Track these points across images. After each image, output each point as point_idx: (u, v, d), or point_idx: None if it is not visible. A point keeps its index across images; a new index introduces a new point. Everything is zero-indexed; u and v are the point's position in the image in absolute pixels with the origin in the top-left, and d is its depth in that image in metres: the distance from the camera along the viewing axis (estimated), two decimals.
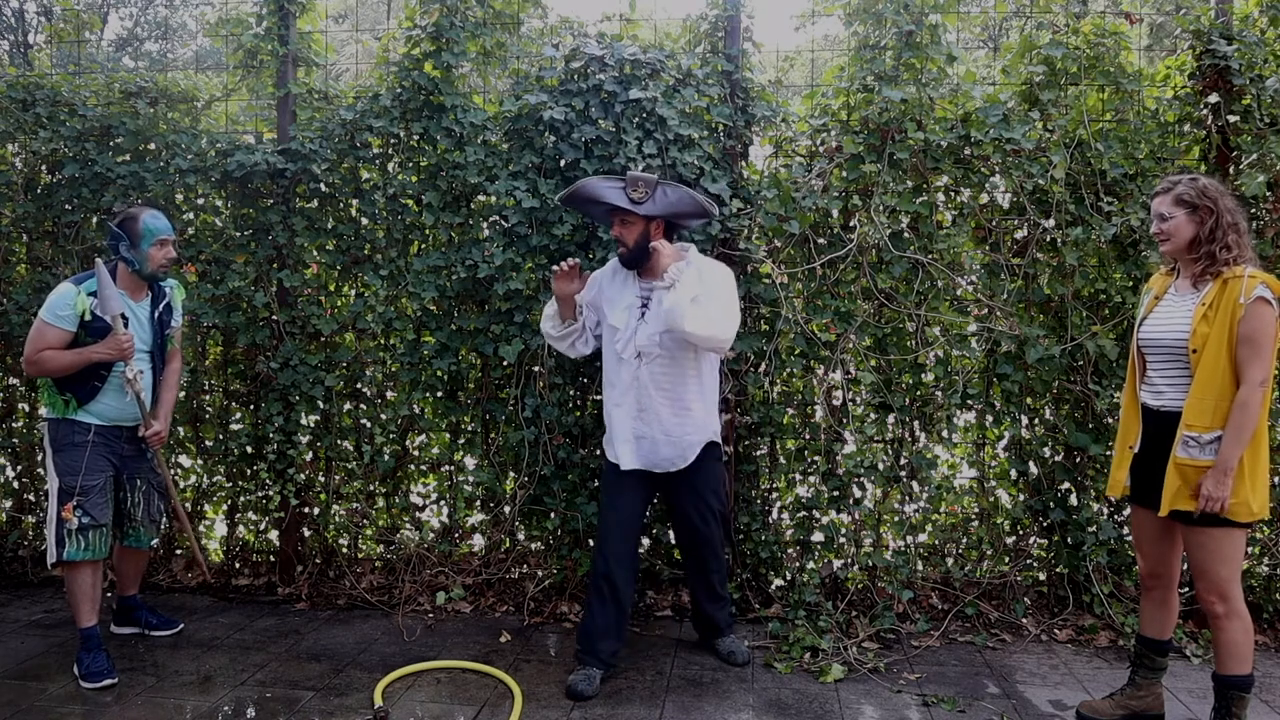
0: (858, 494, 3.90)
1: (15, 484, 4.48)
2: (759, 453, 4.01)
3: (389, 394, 4.22)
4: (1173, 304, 2.76)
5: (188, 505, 4.38)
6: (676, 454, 3.25)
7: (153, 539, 3.56)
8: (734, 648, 3.47)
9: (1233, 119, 3.70)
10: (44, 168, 4.30)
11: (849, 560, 3.95)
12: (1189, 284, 2.74)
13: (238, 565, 4.37)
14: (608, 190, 3.21)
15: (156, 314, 3.42)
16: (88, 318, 3.21)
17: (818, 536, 3.91)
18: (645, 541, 4.01)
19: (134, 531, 3.49)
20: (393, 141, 4.09)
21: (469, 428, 4.21)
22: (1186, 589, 3.56)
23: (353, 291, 4.23)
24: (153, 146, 4.19)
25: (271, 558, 4.34)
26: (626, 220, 3.23)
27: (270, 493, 4.15)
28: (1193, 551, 2.68)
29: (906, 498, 3.94)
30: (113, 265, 3.33)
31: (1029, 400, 3.94)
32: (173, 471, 4.38)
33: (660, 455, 3.25)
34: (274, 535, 4.30)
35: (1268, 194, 3.64)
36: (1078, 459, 3.88)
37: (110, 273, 3.29)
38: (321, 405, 4.15)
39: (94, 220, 4.24)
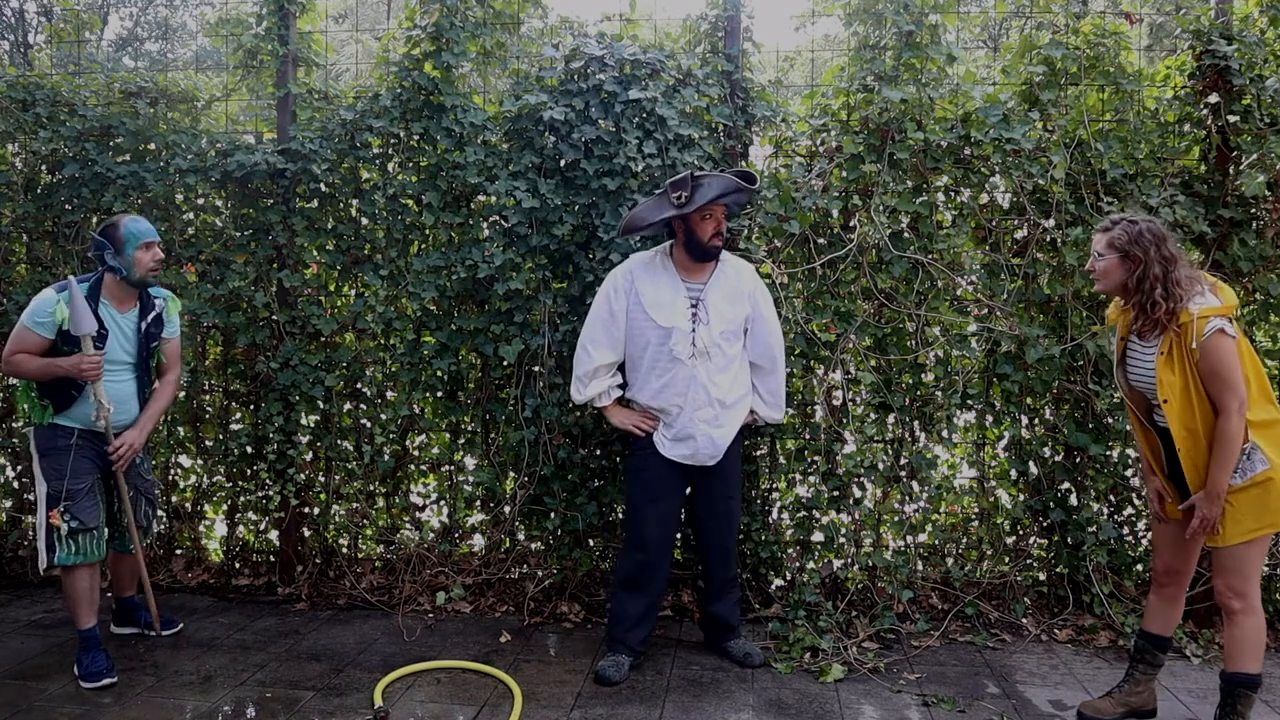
0: (858, 494, 3.90)
1: (15, 484, 4.48)
2: (759, 453, 4.00)
3: (389, 394, 4.21)
4: (1138, 351, 2.80)
5: (187, 505, 4.40)
6: (724, 443, 3.34)
7: (135, 545, 3.44)
8: (749, 649, 3.47)
9: (1233, 119, 3.69)
10: (44, 168, 4.30)
11: (849, 560, 3.94)
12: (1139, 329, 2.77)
13: (238, 565, 4.37)
14: (724, 184, 3.25)
15: (143, 326, 3.34)
16: (65, 327, 3.15)
17: (818, 536, 3.91)
18: None
19: (119, 536, 3.47)
20: (393, 141, 4.09)
21: (469, 428, 4.21)
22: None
23: (353, 291, 4.23)
24: (153, 146, 4.18)
25: (271, 558, 4.34)
26: (720, 212, 3.34)
27: (270, 493, 4.15)
28: (1219, 551, 2.68)
29: (906, 498, 3.94)
30: (99, 276, 3.28)
31: (1029, 400, 3.94)
32: (172, 472, 4.39)
33: (716, 446, 3.32)
34: (274, 535, 4.30)
35: (1268, 194, 3.64)
36: (1078, 459, 3.88)
37: (96, 284, 3.25)
38: (321, 405, 4.15)
39: (94, 220, 4.23)
